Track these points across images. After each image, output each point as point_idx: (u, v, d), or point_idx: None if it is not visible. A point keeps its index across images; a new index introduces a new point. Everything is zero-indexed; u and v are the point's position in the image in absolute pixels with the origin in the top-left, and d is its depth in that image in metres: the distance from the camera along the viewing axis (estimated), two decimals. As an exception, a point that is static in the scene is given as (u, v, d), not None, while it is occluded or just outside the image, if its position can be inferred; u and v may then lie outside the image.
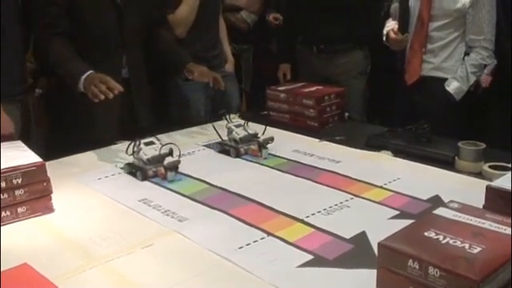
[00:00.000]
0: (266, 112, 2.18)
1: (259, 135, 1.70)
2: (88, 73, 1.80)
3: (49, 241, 1.18)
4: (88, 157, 1.71)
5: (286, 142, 1.85)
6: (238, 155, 1.68)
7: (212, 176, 1.46)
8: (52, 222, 1.27)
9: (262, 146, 1.67)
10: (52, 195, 1.31)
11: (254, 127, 1.72)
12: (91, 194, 1.43)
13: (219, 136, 1.76)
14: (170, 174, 1.48)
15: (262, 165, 1.63)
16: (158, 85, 2.54)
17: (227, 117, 1.79)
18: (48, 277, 0.99)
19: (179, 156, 1.50)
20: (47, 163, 1.32)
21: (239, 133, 1.70)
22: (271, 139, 1.69)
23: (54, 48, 1.92)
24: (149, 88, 2.23)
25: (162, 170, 1.48)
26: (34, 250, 1.13)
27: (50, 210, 1.30)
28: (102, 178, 1.53)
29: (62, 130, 2.19)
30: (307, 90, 2.10)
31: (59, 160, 1.65)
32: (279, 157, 1.70)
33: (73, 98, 2.06)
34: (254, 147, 1.68)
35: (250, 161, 1.67)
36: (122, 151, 1.75)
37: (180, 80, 2.43)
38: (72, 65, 1.89)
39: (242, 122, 1.78)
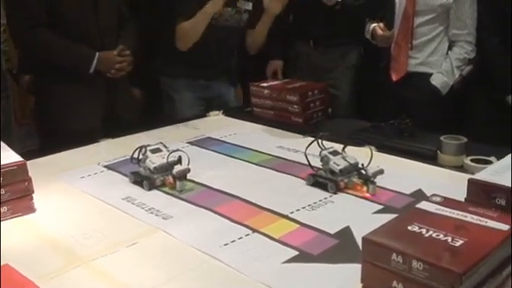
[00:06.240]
0: (249, 108, 2.18)
1: (364, 165, 1.39)
2: (97, 55, 2.01)
3: (31, 241, 1.16)
4: (70, 155, 1.69)
5: (271, 138, 1.86)
6: (337, 190, 1.38)
7: (196, 173, 1.46)
8: (34, 222, 1.25)
9: (370, 180, 1.36)
10: (34, 195, 1.29)
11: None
12: (74, 193, 1.41)
13: (310, 165, 1.45)
14: (180, 184, 1.38)
15: (246, 161, 1.63)
16: (143, 82, 2.53)
17: (320, 142, 1.46)
18: (30, 277, 0.98)
19: (188, 164, 1.41)
20: (28, 162, 1.30)
21: (338, 163, 1.39)
22: (380, 172, 1.36)
23: (48, 38, 1.96)
24: (129, 84, 2.24)
25: (170, 179, 1.40)
26: (15, 251, 1.11)
27: (31, 209, 1.28)
28: (85, 176, 1.52)
29: (45, 128, 2.19)
30: (291, 86, 2.10)
31: (41, 159, 1.63)
32: (263, 153, 1.70)
33: (55, 95, 2.07)
34: (357, 181, 1.39)
35: (235, 157, 1.67)
36: (104, 149, 1.74)
37: (164, 77, 2.42)
38: (79, 50, 2.02)
39: (337, 147, 1.46)
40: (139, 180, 1.43)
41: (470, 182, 1.09)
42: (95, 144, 1.79)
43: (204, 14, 2.17)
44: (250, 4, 2.33)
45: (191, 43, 2.24)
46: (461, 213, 0.94)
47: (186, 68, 2.34)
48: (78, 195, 1.40)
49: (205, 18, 2.18)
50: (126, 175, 1.49)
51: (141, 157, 1.45)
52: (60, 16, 1.99)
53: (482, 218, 0.92)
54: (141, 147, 1.46)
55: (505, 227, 0.88)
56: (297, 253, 1.09)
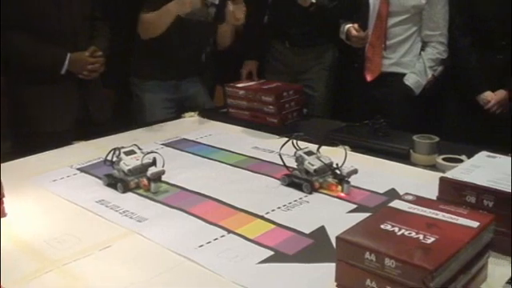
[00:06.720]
0: (225, 109, 2.18)
1: (338, 165, 1.40)
2: (69, 56, 2.00)
3: (2, 246, 1.13)
4: (42, 158, 1.66)
5: (246, 139, 1.86)
6: (313, 190, 1.39)
7: (171, 175, 1.45)
8: (5, 226, 1.22)
9: (344, 180, 1.38)
10: (4, 199, 1.27)
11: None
12: (46, 197, 1.39)
13: (285, 166, 1.46)
14: (154, 186, 1.37)
15: (222, 162, 1.63)
16: (116, 84, 2.51)
17: (294, 143, 1.46)
18: (2, 283, 0.96)
19: (163, 165, 1.40)
20: (-2, 166, 1.29)
21: (313, 163, 1.40)
22: (354, 171, 1.38)
23: (19, 39, 1.93)
24: (101, 86, 2.21)
25: (145, 180, 1.39)
26: (-14, 256, 1.09)
27: (2, 214, 1.25)
28: (58, 179, 1.49)
29: (16, 131, 2.15)
30: (266, 86, 2.11)
31: (12, 162, 1.60)
32: (239, 154, 1.70)
33: (26, 96, 2.04)
34: (331, 181, 1.40)
35: (210, 158, 1.67)
36: (77, 151, 1.72)
37: (136, 79, 2.40)
38: (51, 50, 2.00)
39: (312, 147, 1.47)
40: (113, 182, 1.42)
41: (442, 180, 1.11)
42: (68, 146, 1.76)
43: (167, 12, 2.14)
44: None
45: (153, 35, 2.21)
46: (432, 211, 0.95)
47: (155, 67, 2.33)
48: (50, 199, 1.38)
49: (168, 16, 2.14)
50: (99, 178, 1.47)
51: (115, 159, 1.43)
52: (31, 16, 1.97)
53: (452, 216, 0.93)
54: (114, 149, 1.44)
55: (474, 224, 0.90)
56: (272, 253, 1.09)
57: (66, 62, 1.99)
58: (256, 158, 1.66)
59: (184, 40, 2.28)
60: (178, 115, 2.19)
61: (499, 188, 1.04)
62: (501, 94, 2.26)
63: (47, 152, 1.70)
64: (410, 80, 2.34)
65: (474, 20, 2.27)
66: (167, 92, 2.36)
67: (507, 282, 0.95)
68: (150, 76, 2.35)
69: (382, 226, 0.90)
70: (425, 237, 0.86)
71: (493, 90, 2.27)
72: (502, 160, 1.19)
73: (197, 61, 2.44)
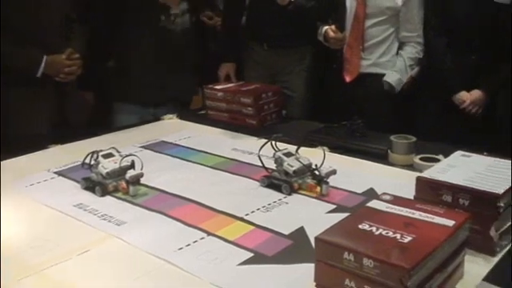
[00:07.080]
0: (204, 111, 2.17)
1: (317, 166, 1.40)
2: (45, 58, 1.97)
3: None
4: (18, 162, 1.64)
5: (225, 141, 1.86)
6: (292, 191, 1.40)
7: (150, 178, 1.44)
8: (-20, 232, 1.21)
9: (323, 180, 1.39)
10: (-20, 204, 1.25)
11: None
12: (22, 201, 1.37)
13: (264, 167, 1.46)
14: (133, 189, 1.36)
15: (201, 164, 1.63)
16: (93, 86, 2.48)
17: (273, 144, 1.46)
18: (-23, 290, 0.95)
19: (142, 168, 1.39)
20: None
21: (292, 164, 1.40)
22: (333, 172, 1.39)
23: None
24: (78, 88, 2.19)
25: (123, 184, 1.38)
26: (-39, 263, 1.07)
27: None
28: (34, 183, 1.47)
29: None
30: (245, 88, 2.11)
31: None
32: (218, 156, 1.70)
33: (1, 99, 2.01)
34: (310, 181, 1.40)
35: (189, 161, 1.66)
36: (54, 155, 1.70)
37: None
38: (26, 52, 1.97)
39: (291, 148, 1.47)
40: (91, 186, 1.41)
41: (418, 180, 1.13)
42: (44, 150, 1.74)
43: None
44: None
45: None
46: (409, 210, 0.97)
47: (134, 91, 2.31)
48: (27, 203, 1.36)
49: None
50: (77, 181, 1.46)
51: (93, 162, 1.42)
52: (6, 17, 1.93)
53: (429, 215, 0.95)
54: (92, 152, 1.43)
55: (450, 223, 0.92)
56: (252, 254, 1.09)
57: (43, 64, 1.97)
58: (235, 160, 1.66)
59: (162, 66, 2.27)
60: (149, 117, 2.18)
61: (475, 187, 1.06)
62: (476, 93, 2.30)
63: (22, 156, 1.68)
64: (392, 77, 2.37)
65: (448, 21, 2.30)
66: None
67: (483, 279, 0.97)
68: (129, 101, 2.34)
69: (360, 226, 0.91)
70: (402, 236, 0.87)
71: (468, 90, 2.31)
72: (476, 159, 1.21)
73: (174, 90, 2.39)
